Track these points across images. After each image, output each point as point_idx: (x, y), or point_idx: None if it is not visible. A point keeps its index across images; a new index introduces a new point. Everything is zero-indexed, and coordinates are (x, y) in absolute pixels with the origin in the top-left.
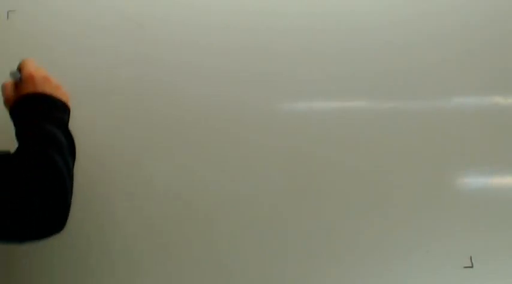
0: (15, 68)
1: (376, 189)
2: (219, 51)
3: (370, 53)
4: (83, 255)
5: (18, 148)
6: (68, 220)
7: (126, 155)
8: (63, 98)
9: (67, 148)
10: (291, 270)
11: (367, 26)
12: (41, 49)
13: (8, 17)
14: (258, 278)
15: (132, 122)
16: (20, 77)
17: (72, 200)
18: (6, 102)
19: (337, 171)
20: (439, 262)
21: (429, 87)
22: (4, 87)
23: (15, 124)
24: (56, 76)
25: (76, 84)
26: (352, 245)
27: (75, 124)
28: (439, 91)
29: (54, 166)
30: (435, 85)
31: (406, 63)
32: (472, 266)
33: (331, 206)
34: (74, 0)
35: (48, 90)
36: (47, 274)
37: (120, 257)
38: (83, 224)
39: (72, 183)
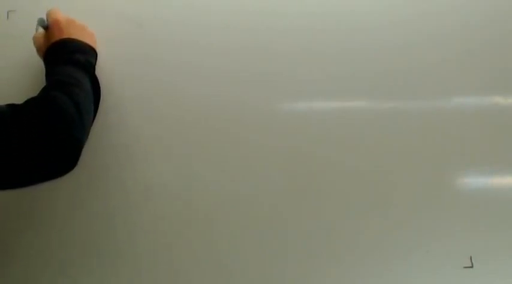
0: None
1: (376, 189)
2: (219, 51)
3: (370, 53)
4: (83, 254)
5: None
6: (78, 159)
7: (125, 155)
8: (89, 39)
9: (85, 86)
10: (291, 270)
11: (367, 26)
12: None
13: (8, 17)
14: (258, 278)
15: (132, 122)
16: (47, 24)
17: (85, 139)
18: (39, 52)
19: (337, 171)
20: (439, 262)
21: (429, 87)
22: (35, 38)
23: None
24: None
25: None
26: (352, 245)
27: None
28: (439, 91)
29: (55, 107)
30: (435, 85)
31: (406, 63)
32: (472, 266)
33: (331, 206)
34: (73, 0)
35: (73, 32)
36: (46, 274)
37: (119, 257)
38: (81, 224)
39: (85, 121)
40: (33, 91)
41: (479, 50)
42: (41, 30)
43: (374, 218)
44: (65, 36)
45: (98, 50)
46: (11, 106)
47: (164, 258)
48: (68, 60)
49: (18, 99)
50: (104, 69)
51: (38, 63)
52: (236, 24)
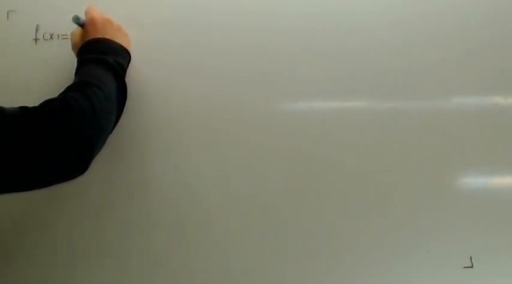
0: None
1: (376, 189)
2: (219, 51)
3: (370, 53)
4: (86, 255)
5: None
6: (90, 163)
7: (125, 155)
8: (124, 40)
9: (108, 87)
10: (291, 270)
11: (367, 26)
12: (41, 49)
13: (8, 17)
14: (258, 278)
15: (132, 122)
16: (83, 22)
17: (100, 142)
18: (74, 48)
19: (337, 171)
20: (439, 262)
21: (429, 87)
22: (72, 34)
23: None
24: (55, 77)
25: None
26: (352, 245)
27: None
28: (439, 91)
29: (66, 107)
30: (435, 85)
31: (406, 63)
32: (472, 266)
33: (331, 206)
34: (73, 0)
35: (109, 32)
36: (50, 274)
37: (118, 257)
38: (80, 224)
39: (102, 122)
40: (33, 91)
41: (479, 50)
42: (77, 27)
43: (374, 218)
44: (100, 35)
45: (130, 50)
46: (23, 109)
47: (165, 258)
48: (96, 60)
49: (18, 99)
50: None
51: (38, 63)
52: (236, 24)
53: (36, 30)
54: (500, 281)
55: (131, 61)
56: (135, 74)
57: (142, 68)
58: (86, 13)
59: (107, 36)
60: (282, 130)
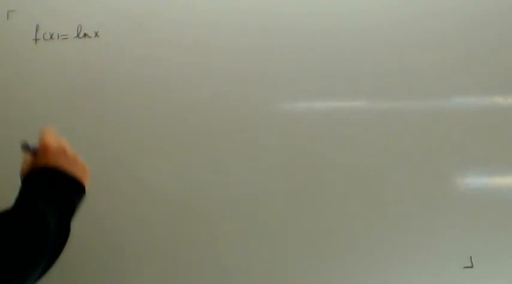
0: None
1: (376, 189)
2: (219, 51)
3: (370, 53)
4: (82, 255)
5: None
6: None
7: (125, 155)
8: (79, 172)
9: (51, 233)
10: (291, 270)
11: (367, 26)
12: (41, 49)
13: (8, 17)
14: (258, 278)
15: (132, 122)
16: (36, 148)
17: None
18: (22, 172)
19: (337, 171)
20: (439, 262)
21: (429, 87)
22: (24, 159)
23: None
24: (54, 77)
25: (76, 83)
26: (352, 245)
27: (75, 124)
28: (439, 91)
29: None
30: (435, 85)
31: (406, 63)
32: (472, 266)
33: (331, 206)
34: (73, 0)
35: (61, 163)
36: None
37: (118, 258)
38: (81, 224)
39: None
40: (33, 91)
41: (479, 50)
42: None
43: (374, 219)
44: (51, 164)
45: (87, 185)
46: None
47: (165, 258)
48: (44, 195)
49: (18, 98)
50: (104, 68)
51: (38, 63)
52: (236, 24)
53: (36, 30)
54: (500, 281)
55: (132, 60)
56: (134, 74)
57: (143, 68)
58: (40, 138)
59: (60, 167)
60: (282, 130)
